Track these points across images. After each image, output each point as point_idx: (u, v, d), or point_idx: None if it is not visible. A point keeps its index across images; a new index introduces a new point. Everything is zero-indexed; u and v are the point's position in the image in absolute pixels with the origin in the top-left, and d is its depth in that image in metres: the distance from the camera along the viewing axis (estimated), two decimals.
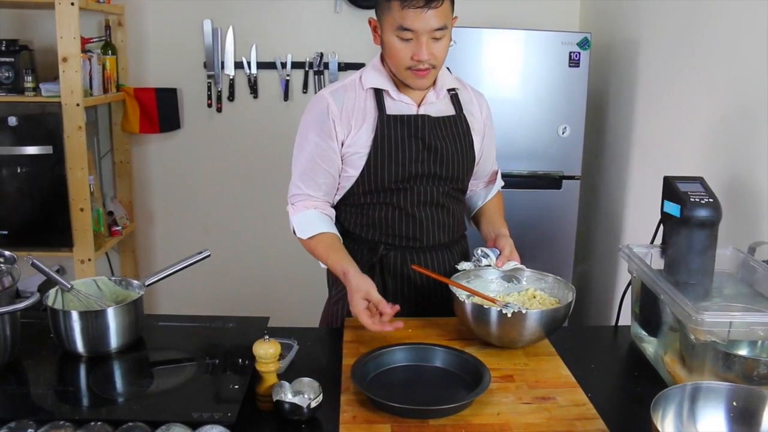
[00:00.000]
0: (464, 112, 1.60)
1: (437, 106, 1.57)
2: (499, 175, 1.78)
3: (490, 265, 1.52)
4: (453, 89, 1.61)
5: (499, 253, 1.53)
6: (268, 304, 2.94)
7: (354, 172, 1.54)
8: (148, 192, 3.30)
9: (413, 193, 1.55)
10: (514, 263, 1.52)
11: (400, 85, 1.53)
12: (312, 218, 1.54)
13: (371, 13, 1.58)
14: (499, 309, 1.31)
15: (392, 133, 1.52)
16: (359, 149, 1.52)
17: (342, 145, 1.53)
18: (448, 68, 1.66)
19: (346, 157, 1.54)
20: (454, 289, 1.42)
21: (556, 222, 2.81)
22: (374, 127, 1.51)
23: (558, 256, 2.82)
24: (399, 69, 1.47)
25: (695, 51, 2.10)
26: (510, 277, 1.53)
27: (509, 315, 1.30)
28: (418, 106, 1.55)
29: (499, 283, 1.53)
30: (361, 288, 1.38)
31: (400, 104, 1.54)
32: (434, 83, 1.56)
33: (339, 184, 1.57)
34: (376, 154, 1.51)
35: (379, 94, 1.54)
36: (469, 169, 1.61)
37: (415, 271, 1.55)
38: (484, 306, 1.34)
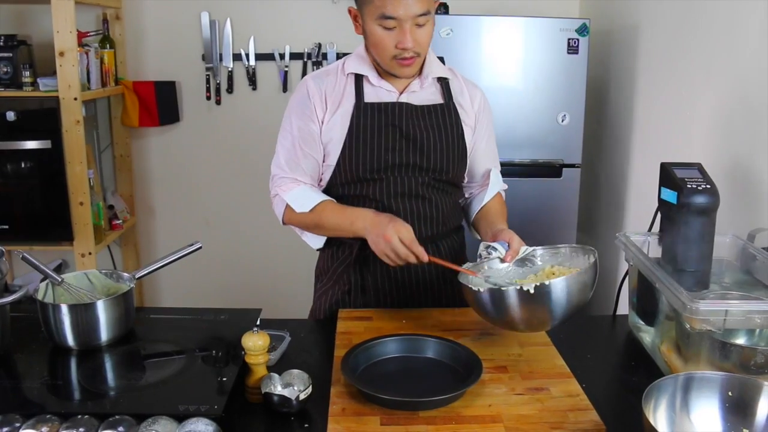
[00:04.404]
0: (454, 101, 1.55)
1: (421, 94, 1.53)
2: (498, 177, 1.65)
3: (499, 258, 1.39)
4: (443, 78, 1.56)
5: (507, 246, 1.39)
6: (269, 296, 2.95)
7: (331, 161, 1.51)
8: (148, 185, 3.30)
9: (389, 184, 1.50)
10: (524, 248, 1.40)
11: (382, 71, 1.50)
12: (307, 191, 1.49)
13: None
14: (518, 287, 1.16)
15: (368, 121, 1.48)
16: (334, 137, 1.49)
17: (322, 123, 1.50)
18: (441, 58, 1.63)
19: (324, 144, 1.50)
20: (464, 280, 1.30)
21: (556, 210, 2.78)
22: (350, 114, 1.48)
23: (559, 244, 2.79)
24: (384, 59, 1.44)
25: (695, 37, 2.07)
26: (523, 261, 1.40)
27: (532, 291, 1.15)
28: (401, 93, 1.51)
29: (513, 270, 1.40)
30: (399, 224, 1.35)
31: (380, 91, 1.51)
32: (420, 71, 1.52)
33: (321, 174, 1.54)
34: (350, 143, 1.48)
35: (359, 80, 1.51)
36: (458, 160, 1.55)
37: (399, 267, 1.45)
38: (501, 288, 1.19)
